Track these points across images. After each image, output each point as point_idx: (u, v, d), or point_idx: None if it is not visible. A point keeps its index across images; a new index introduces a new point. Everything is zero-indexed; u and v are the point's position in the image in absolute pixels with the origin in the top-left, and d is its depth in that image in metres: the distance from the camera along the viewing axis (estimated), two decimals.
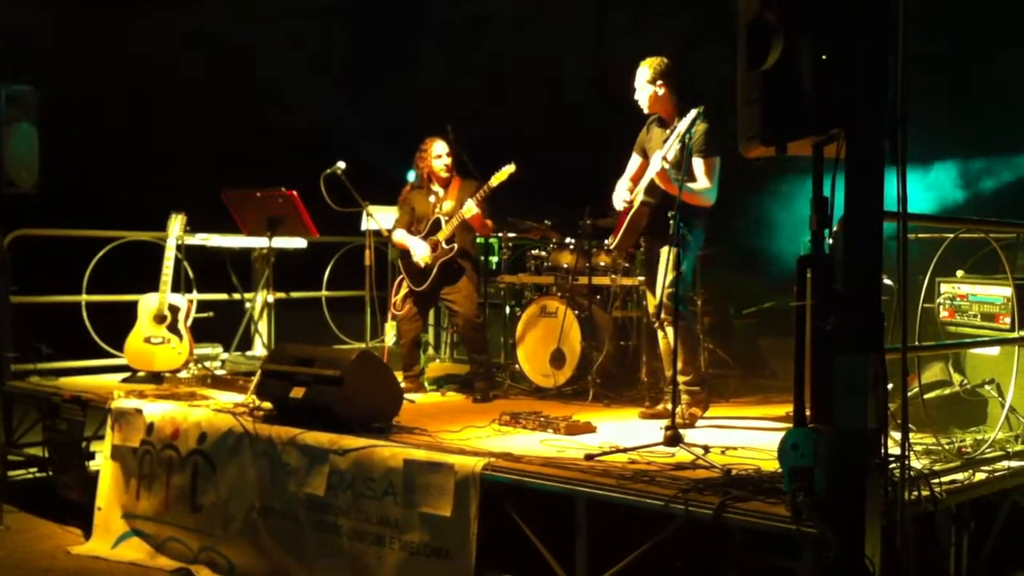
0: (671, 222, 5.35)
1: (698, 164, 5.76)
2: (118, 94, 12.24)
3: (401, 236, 7.05)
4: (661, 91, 5.93)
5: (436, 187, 7.10)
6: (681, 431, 5.04)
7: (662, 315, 5.84)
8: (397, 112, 11.25)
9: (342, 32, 12.44)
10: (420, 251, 6.93)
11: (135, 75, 12.00)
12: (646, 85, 5.95)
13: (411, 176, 7.24)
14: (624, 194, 6.08)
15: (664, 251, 5.81)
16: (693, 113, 5.47)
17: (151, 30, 12.07)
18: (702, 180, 5.77)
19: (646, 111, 6.05)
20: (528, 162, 6.83)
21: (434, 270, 6.91)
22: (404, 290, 7.08)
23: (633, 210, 5.93)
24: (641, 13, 10.06)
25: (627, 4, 10.71)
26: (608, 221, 7.34)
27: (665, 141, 5.75)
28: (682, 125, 5.51)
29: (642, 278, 7.08)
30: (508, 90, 11.15)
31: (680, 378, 5.73)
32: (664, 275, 5.74)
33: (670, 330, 5.82)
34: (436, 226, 6.95)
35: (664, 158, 5.61)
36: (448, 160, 7.05)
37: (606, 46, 10.87)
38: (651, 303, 6.14)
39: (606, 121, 9.31)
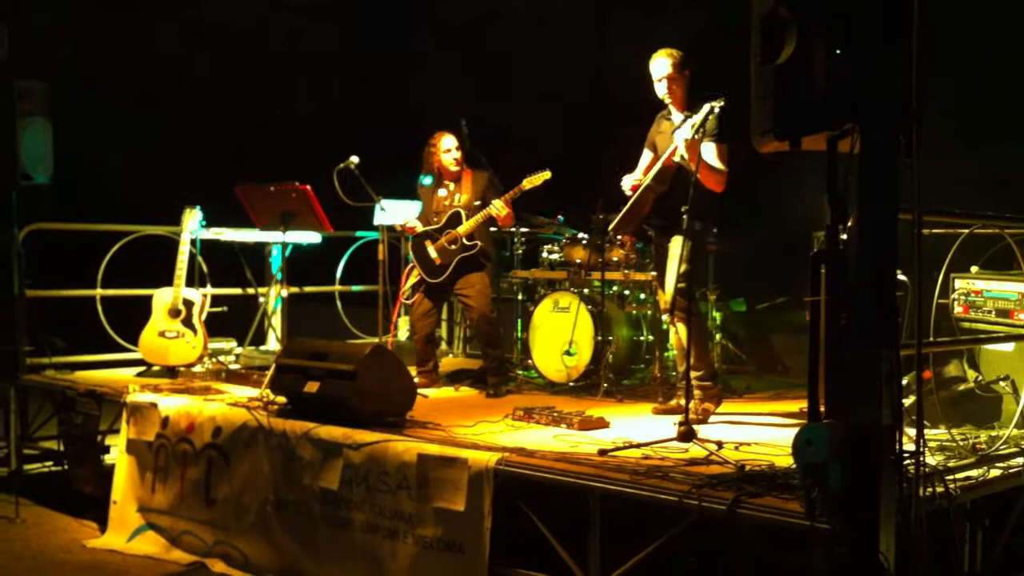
0: (683, 216, 5.34)
1: (709, 148, 5.73)
2: (131, 88, 12.27)
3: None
4: (678, 79, 5.89)
5: (448, 181, 7.10)
6: (694, 427, 5.04)
7: (674, 310, 5.82)
8: (400, 110, 11.26)
9: (344, 30, 12.46)
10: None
11: (148, 69, 12.03)
12: (666, 71, 5.88)
13: (423, 178, 7.23)
14: (632, 177, 6.05)
15: (673, 245, 5.80)
16: (713, 104, 5.44)
17: (163, 25, 12.11)
18: (715, 163, 5.75)
19: (661, 96, 6.00)
20: (538, 159, 6.83)
21: (452, 264, 6.90)
22: (414, 278, 7.08)
23: (637, 193, 5.91)
24: (643, 11, 10.05)
25: (630, 2, 10.71)
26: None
27: (675, 131, 5.74)
28: (701, 114, 5.48)
29: (654, 273, 7.08)
30: (512, 88, 11.15)
31: (692, 373, 5.72)
32: (676, 269, 5.72)
33: (680, 325, 5.82)
34: (454, 219, 6.94)
35: (685, 137, 5.56)
36: (457, 154, 7.04)
37: (609, 43, 10.87)
38: (663, 298, 6.14)
39: (612, 116, 9.31)
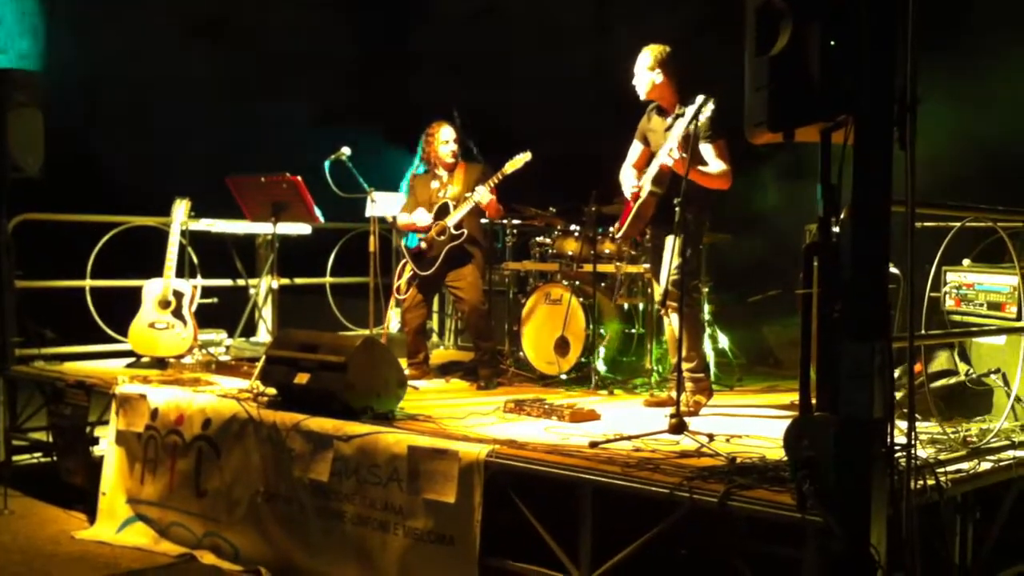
0: (677, 210, 5.33)
1: (708, 149, 5.71)
2: (123, 79, 12.22)
3: (404, 218, 7.04)
4: (659, 79, 5.87)
5: (441, 172, 7.07)
6: (686, 419, 5.03)
7: (667, 302, 5.81)
8: (399, 101, 11.24)
9: (343, 22, 12.42)
10: (423, 219, 6.91)
11: (139, 60, 11.98)
12: (645, 71, 5.88)
13: (416, 163, 7.21)
14: (632, 180, 6.05)
15: (669, 239, 5.79)
16: (700, 99, 5.44)
17: (158, 16, 12.05)
18: (716, 163, 5.72)
19: (643, 97, 5.99)
20: (532, 150, 6.81)
21: (441, 255, 6.88)
22: (407, 274, 7.06)
23: (640, 200, 5.89)
24: (642, 3, 10.03)
25: None
26: (613, 208, 7.33)
27: (667, 130, 5.73)
28: (689, 112, 5.48)
29: (647, 265, 7.07)
30: (510, 79, 11.14)
31: (684, 365, 5.72)
32: (669, 262, 5.72)
33: (674, 317, 5.81)
34: (443, 211, 6.92)
35: (672, 148, 5.55)
36: (454, 146, 7.01)
37: (608, 33, 10.85)
38: (657, 291, 6.13)
39: (608, 109, 9.30)
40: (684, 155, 5.46)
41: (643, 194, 5.86)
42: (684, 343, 5.71)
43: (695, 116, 5.44)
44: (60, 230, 7.73)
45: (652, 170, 5.82)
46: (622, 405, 6.16)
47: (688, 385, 5.83)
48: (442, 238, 6.88)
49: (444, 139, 6.99)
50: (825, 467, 3.54)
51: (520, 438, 4.86)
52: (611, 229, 6.54)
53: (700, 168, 5.62)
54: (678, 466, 4.27)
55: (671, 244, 5.70)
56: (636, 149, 6.19)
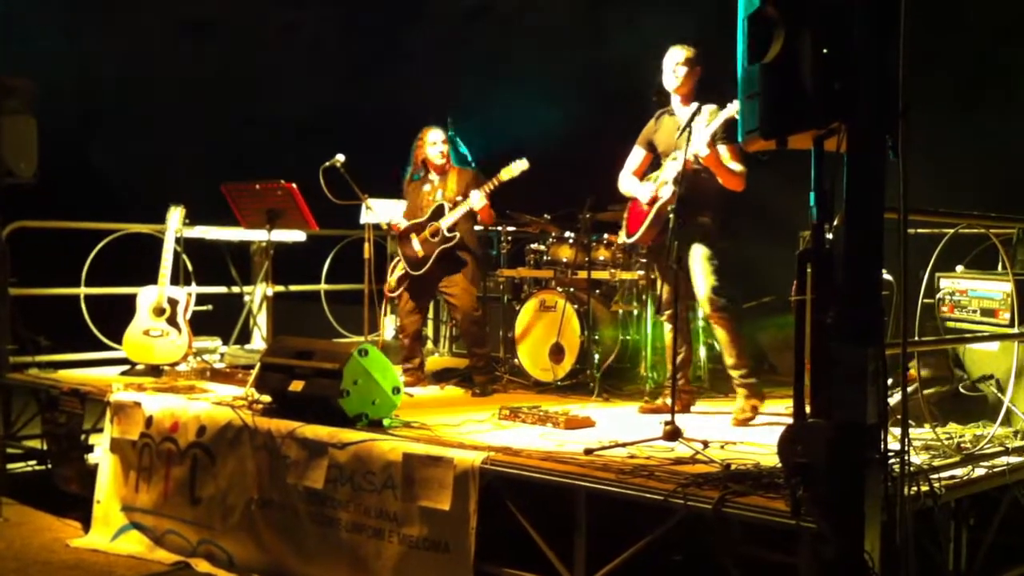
0: (700, 219, 5.36)
1: (723, 150, 5.70)
2: (117, 85, 12.23)
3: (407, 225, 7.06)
4: (695, 74, 5.87)
5: (432, 176, 7.09)
6: (681, 425, 5.01)
7: (711, 311, 5.78)
8: (393, 104, 11.24)
9: (338, 23, 12.42)
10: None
11: (134, 65, 11.98)
12: (682, 65, 5.85)
13: (409, 170, 7.22)
14: (640, 185, 6.03)
15: (695, 248, 5.78)
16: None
17: (150, 19, 12.05)
18: (732, 164, 5.73)
19: (673, 89, 5.91)
20: (526, 155, 6.81)
21: (432, 256, 6.88)
22: (400, 271, 7.06)
23: (661, 201, 5.86)
24: (637, 7, 10.05)
25: None
26: (608, 215, 7.34)
27: (679, 129, 5.73)
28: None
29: (642, 272, 7.07)
30: (504, 83, 11.15)
31: (735, 372, 5.77)
32: (703, 270, 5.73)
33: (715, 326, 5.80)
34: (438, 213, 6.93)
35: (705, 141, 5.52)
36: (444, 148, 7.03)
37: (603, 39, 10.86)
38: (665, 292, 6.05)
39: (603, 114, 9.30)
40: (712, 148, 5.52)
41: (665, 195, 5.84)
42: (733, 350, 5.73)
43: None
44: (54, 237, 7.72)
45: (674, 169, 5.76)
46: (617, 412, 6.16)
47: (742, 391, 5.82)
48: (435, 239, 6.89)
49: (432, 141, 7.02)
50: (819, 473, 3.54)
51: (515, 445, 4.86)
52: (617, 235, 6.49)
53: (724, 163, 5.64)
54: (672, 473, 4.27)
55: (698, 253, 5.72)
56: (638, 155, 6.18)
